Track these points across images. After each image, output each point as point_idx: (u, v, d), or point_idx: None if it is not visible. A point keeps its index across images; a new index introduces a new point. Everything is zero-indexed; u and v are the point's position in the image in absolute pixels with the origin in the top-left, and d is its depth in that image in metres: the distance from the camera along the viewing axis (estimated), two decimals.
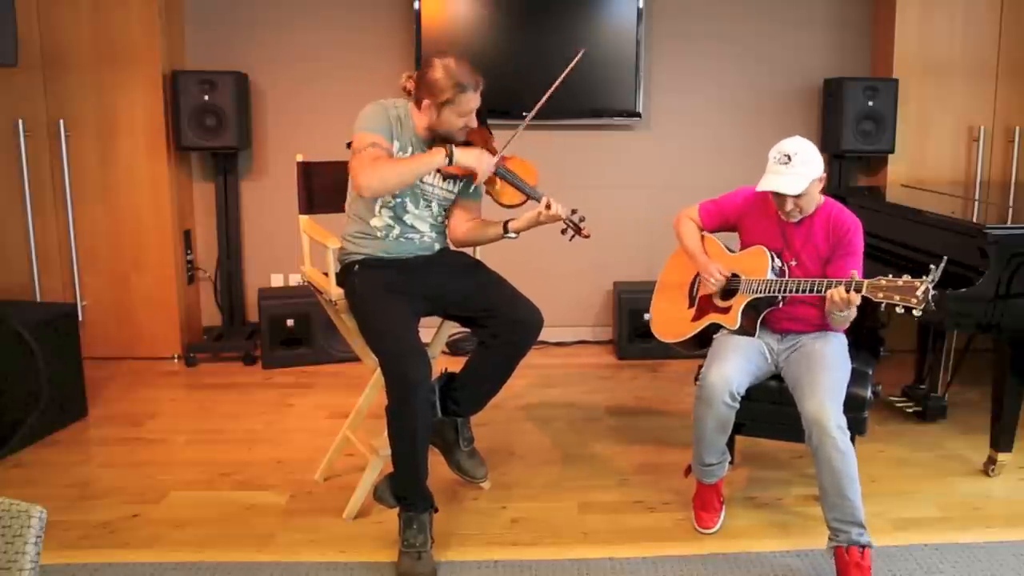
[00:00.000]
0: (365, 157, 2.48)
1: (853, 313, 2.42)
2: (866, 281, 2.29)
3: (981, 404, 3.44)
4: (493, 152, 2.65)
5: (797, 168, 2.45)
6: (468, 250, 2.90)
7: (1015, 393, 2.94)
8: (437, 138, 2.62)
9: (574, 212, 2.62)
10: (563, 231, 2.64)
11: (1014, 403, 2.96)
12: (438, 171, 2.62)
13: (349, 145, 2.56)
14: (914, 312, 2.19)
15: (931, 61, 4.38)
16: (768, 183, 2.49)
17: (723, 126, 4.60)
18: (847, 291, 2.31)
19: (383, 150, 2.51)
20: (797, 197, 2.49)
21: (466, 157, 2.53)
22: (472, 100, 2.56)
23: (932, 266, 2.19)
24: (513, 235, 2.63)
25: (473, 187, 2.72)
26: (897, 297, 2.21)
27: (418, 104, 2.59)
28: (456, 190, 2.72)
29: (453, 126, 2.57)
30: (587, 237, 2.63)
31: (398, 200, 2.63)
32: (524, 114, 2.69)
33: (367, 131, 2.54)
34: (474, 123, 2.61)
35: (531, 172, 2.68)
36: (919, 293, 2.18)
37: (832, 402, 2.37)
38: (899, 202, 3.56)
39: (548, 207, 2.55)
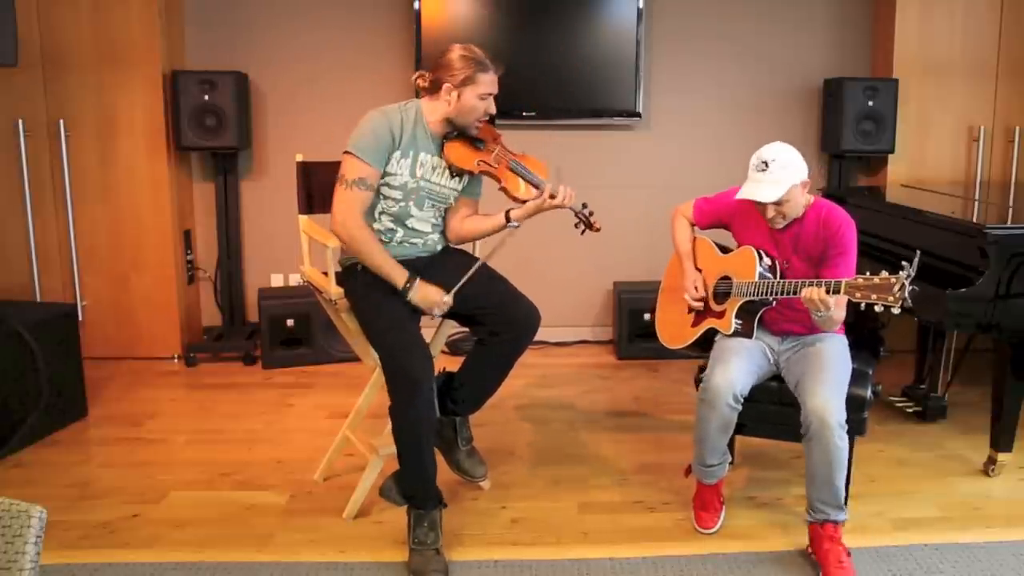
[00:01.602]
0: (354, 200, 2.52)
1: (839, 314, 2.41)
2: (844, 281, 2.27)
3: (981, 404, 3.44)
4: (498, 141, 2.68)
5: (774, 174, 2.42)
6: (468, 248, 2.90)
7: (1015, 393, 2.94)
8: (449, 135, 2.63)
9: (584, 206, 2.66)
10: (575, 225, 2.68)
11: (1014, 403, 2.96)
12: (447, 169, 2.65)
13: (345, 152, 2.58)
14: (893, 310, 2.17)
15: (931, 61, 4.38)
16: (746, 191, 2.47)
17: (723, 126, 4.60)
18: (827, 293, 2.29)
19: (366, 188, 2.54)
20: (778, 204, 2.47)
21: (419, 293, 2.53)
22: (491, 82, 2.58)
23: (905, 263, 2.16)
24: (515, 224, 2.64)
25: (471, 182, 2.73)
26: (874, 296, 2.20)
27: (435, 92, 2.59)
28: (460, 188, 2.72)
29: (474, 110, 2.58)
30: (598, 231, 2.68)
31: (401, 206, 2.63)
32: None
33: (358, 159, 2.53)
34: (493, 108, 2.62)
35: (542, 168, 2.70)
36: (895, 291, 2.15)
37: (836, 399, 2.39)
38: (899, 202, 3.56)
39: (552, 196, 2.57)
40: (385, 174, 2.58)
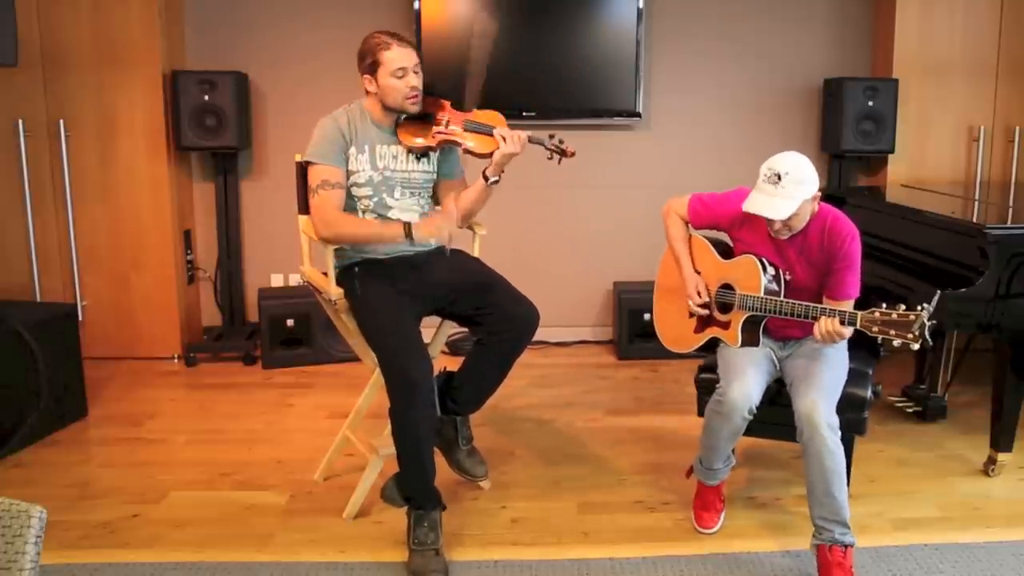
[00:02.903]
0: (324, 201, 2.56)
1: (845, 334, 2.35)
2: (860, 314, 2.24)
3: (981, 404, 3.44)
4: (445, 109, 2.69)
5: (787, 189, 2.34)
6: (467, 248, 2.91)
7: (1015, 393, 2.94)
8: (398, 120, 2.67)
9: (552, 136, 2.69)
10: (549, 157, 2.69)
11: (1014, 403, 2.96)
12: (409, 154, 2.68)
13: (307, 164, 2.62)
14: (912, 347, 2.14)
15: (931, 61, 4.38)
16: (755, 204, 2.38)
17: (723, 126, 4.60)
18: (842, 324, 2.26)
19: (333, 187, 2.57)
20: (786, 219, 2.39)
21: (426, 229, 2.53)
22: (399, 57, 2.59)
23: (925, 304, 2.13)
24: (495, 179, 2.68)
25: (444, 161, 2.76)
26: (892, 332, 2.17)
27: (368, 89, 2.65)
28: (433, 168, 2.74)
29: (394, 89, 2.60)
30: (572, 155, 2.69)
31: (375, 200, 2.66)
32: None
33: (318, 163, 2.58)
34: (414, 82, 2.61)
35: (498, 118, 2.72)
36: (915, 329, 2.13)
37: (825, 401, 2.36)
38: (899, 202, 3.56)
39: (504, 139, 2.60)
40: (350, 173, 2.62)
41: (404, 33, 2.65)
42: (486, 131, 2.67)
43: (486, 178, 2.68)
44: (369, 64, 2.59)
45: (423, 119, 2.69)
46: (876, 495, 2.91)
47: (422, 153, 2.70)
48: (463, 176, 2.82)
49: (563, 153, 2.69)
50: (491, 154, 2.66)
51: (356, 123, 2.64)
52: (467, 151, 2.69)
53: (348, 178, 2.63)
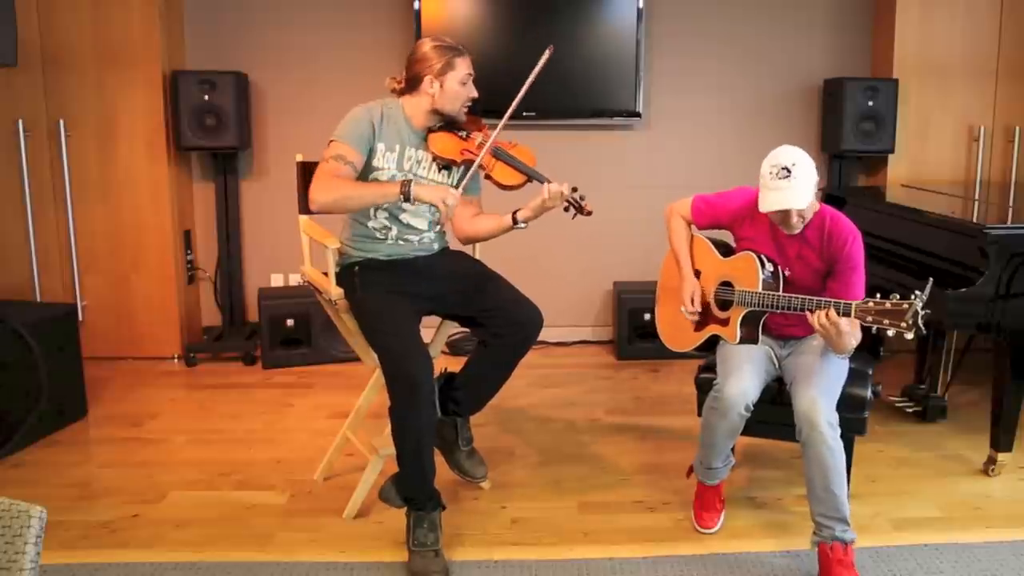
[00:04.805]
0: (325, 170, 2.52)
1: (854, 337, 2.32)
2: (854, 304, 2.24)
3: (981, 404, 3.44)
4: (482, 130, 2.68)
5: (800, 180, 2.35)
6: (468, 249, 2.90)
7: (1015, 393, 2.94)
8: (433, 128, 2.65)
9: (574, 190, 2.64)
10: (565, 209, 2.64)
11: (1014, 403, 2.96)
12: (433, 162, 2.67)
13: (329, 142, 2.60)
14: (906, 336, 2.14)
15: (931, 61, 4.38)
16: (775, 201, 2.38)
17: (723, 126, 4.60)
18: (838, 314, 2.25)
19: (346, 164, 2.53)
20: (801, 209, 2.41)
21: (425, 193, 2.49)
22: (468, 64, 2.63)
23: (917, 292, 2.13)
24: (523, 225, 2.63)
25: (470, 179, 2.72)
26: (886, 321, 2.17)
27: (414, 89, 2.63)
28: (452, 182, 2.71)
29: (457, 95, 2.61)
30: (589, 214, 2.63)
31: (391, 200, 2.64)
32: (498, 121, 2.63)
33: (338, 140, 2.57)
34: (474, 92, 2.64)
35: (530, 156, 2.69)
36: (908, 318, 2.12)
37: (824, 399, 2.36)
38: (899, 202, 3.56)
39: (551, 188, 2.56)
40: (373, 168, 2.60)
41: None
42: (514, 164, 2.64)
43: (515, 220, 2.63)
44: (441, 67, 2.58)
45: (455, 132, 2.67)
46: (876, 495, 2.91)
47: (444, 165, 2.68)
48: (479, 195, 2.80)
49: (580, 209, 2.62)
50: (511, 187, 2.64)
51: (389, 120, 2.62)
52: (488, 177, 2.67)
53: (371, 173, 2.60)
